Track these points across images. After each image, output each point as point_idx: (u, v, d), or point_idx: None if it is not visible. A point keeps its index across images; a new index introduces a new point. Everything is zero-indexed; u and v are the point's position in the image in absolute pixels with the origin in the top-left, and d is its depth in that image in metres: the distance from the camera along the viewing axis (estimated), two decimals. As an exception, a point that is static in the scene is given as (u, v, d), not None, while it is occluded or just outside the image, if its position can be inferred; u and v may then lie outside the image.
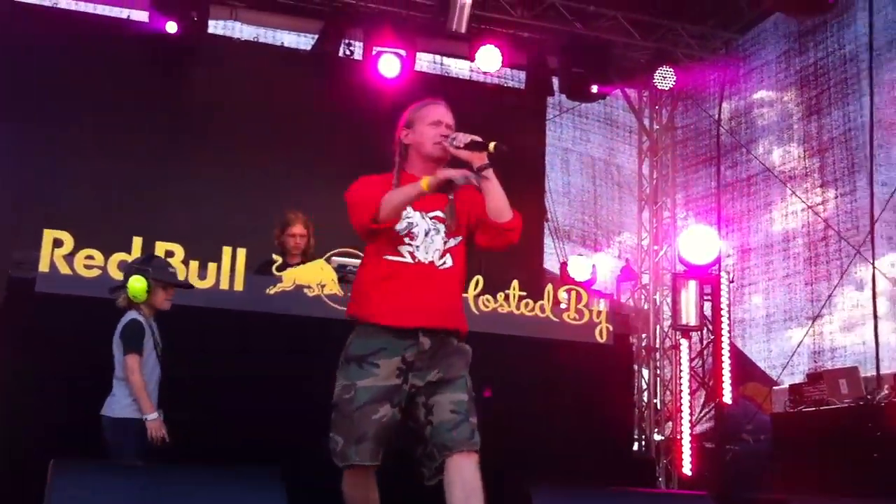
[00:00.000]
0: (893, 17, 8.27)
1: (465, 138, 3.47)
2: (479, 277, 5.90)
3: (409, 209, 3.51)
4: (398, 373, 3.41)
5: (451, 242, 3.58)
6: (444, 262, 3.55)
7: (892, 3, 8.28)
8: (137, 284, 4.54)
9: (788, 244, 9.32)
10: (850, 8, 8.77)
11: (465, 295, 5.75)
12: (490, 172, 3.45)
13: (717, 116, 10.28)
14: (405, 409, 3.45)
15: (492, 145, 3.39)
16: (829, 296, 8.63)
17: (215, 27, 9.34)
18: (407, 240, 3.52)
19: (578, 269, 9.85)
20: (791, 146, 9.47)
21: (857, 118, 8.54)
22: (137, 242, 5.24)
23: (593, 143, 11.15)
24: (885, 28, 8.34)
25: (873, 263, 8.06)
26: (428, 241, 3.54)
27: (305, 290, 5.59)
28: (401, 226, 3.50)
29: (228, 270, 5.44)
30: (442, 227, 3.57)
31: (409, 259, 3.51)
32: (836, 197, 8.74)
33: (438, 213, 3.58)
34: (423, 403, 3.44)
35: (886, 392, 6.14)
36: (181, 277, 5.07)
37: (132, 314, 4.58)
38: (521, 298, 6.08)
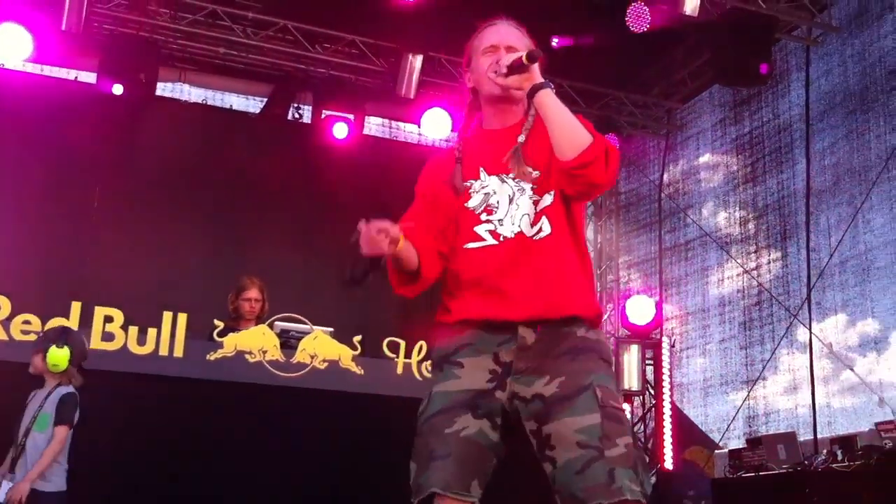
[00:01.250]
0: (825, 88, 8.56)
1: (505, 60, 2.63)
2: (423, 343, 5.91)
3: (482, 173, 2.65)
4: (490, 376, 2.48)
5: (546, 201, 2.61)
6: (540, 230, 2.58)
7: (825, 74, 8.57)
8: (61, 353, 4.51)
9: (724, 308, 9.50)
10: (784, 79, 9.07)
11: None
12: (546, 94, 2.57)
13: (658, 182, 10.50)
14: (509, 433, 2.49)
15: (524, 55, 2.57)
16: (769, 359, 8.77)
17: (163, 89, 9.37)
18: (484, 215, 2.62)
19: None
20: (727, 212, 9.71)
21: (790, 185, 8.79)
22: (76, 307, 5.20)
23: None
24: (817, 100, 8.63)
25: (810, 328, 8.22)
26: (514, 208, 2.61)
27: (247, 356, 5.56)
28: (475, 201, 2.64)
29: (168, 336, 5.40)
30: (528, 185, 2.62)
31: (491, 240, 2.60)
32: (769, 262, 8.96)
33: (524, 168, 2.66)
34: (534, 432, 2.44)
35: (823, 457, 6.22)
36: (119, 344, 5.04)
37: (67, 387, 4.54)
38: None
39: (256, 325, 6.12)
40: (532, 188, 2.61)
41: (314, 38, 9.37)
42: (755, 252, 9.19)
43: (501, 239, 2.58)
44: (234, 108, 9.96)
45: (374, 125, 10.38)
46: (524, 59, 2.55)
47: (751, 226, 9.32)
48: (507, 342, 2.49)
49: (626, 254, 10.98)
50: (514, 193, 2.62)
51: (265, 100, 9.67)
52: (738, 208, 9.55)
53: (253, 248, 8.82)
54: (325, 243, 9.31)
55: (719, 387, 9.41)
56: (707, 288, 9.77)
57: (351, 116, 9.29)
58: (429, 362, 5.90)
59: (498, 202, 2.61)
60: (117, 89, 8.50)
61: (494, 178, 2.64)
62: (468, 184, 2.66)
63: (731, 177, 9.72)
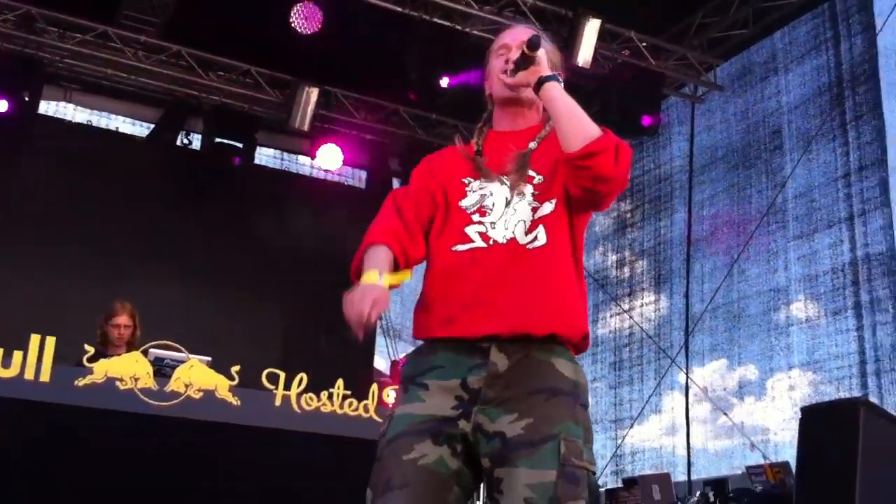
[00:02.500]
0: (707, 142, 8.90)
1: (512, 56, 2.50)
2: (303, 375, 5.81)
3: (486, 171, 2.49)
4: (456, 402, 2.29)
5: (546, 209, 2.43)
6: (535, 239, 2.39)
7: (707, 130, 8.91)
8: None
9: (597, 349, 9.69)
10: (665, 132, 9.39)
11: (327, 392, 5.61)
12: (553, 86, 2.41)
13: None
14: (473, 460, 2.30)
15: (525, 47, 2.44)
16: (647, 399, 8.93)
17: (47, 108, 9.07)
18: (476, 216, 2.44)
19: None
20: (606, 255, 9.93)
21: (667, 233, 9.07)
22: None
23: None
24: (699, 152, 8.97)
25: (686, 372, 8.42)
26: (509, 212, 2.43)
27: (118, 384, 5.34)
28: (469, 200, 2.47)
29: (35, 360, 5.15)
30: (529, 190, 2.45)
31: (480, 243, 2.40)
32: (642, 305, 9.19)
33: (528, 172, 2.48)
34: (486, 470, 2.28)
35: (696, 499, 6.33)
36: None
37: None
38: (344, 398, 6.00)
39: (127, 351, 5.91)
40: (533, 193, 2.43)
41: (208, 65, 9.25)
42: (629, 295, 9.43)
43: (491, 242, 2.39)
44: (120, 131, 9.71)
45: (265, 156, 10.26)
46: (525, 48, 2.42)
47: (627, 269, 9.58)
48: (477, 367, 2.29)
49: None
50: (509, 196, 2.44)
51: (153, 125, 9.46)
52: (616, 252, 9.80)
53: (131, 274, 8.56)
54: (206, 271, 9.12)
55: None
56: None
57: (240, 145, 9.16)
58: (309, 395, 5.81)
59: (493, 204, 2.44)
60: (1, 105, 8.19)
61: (497, 181, 2.46)
62: (466, 181, 2.49)
63: (611, 222, 9.99)
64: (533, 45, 2.41)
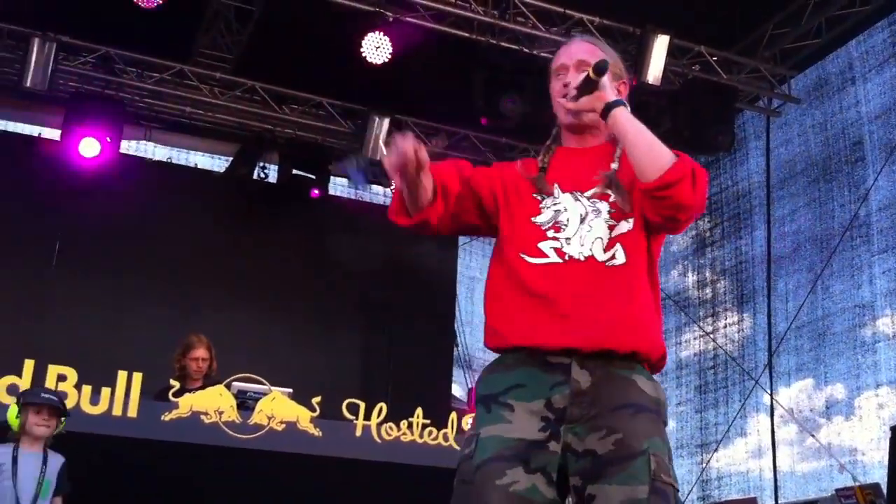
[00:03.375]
0: (786, 156, 8.72)
1: (574, 82, 2.44)
2: (383, 405, 5.84)
3: (556, 190, 2.45)
4: (542, 424, 2.24)
5: (623, 227, 2.39)
6: (613, 258, 2.36)
7: (785, 143, 8.74)
8: (10, 413, 4.43)
9: (682, 371, 9.52)
10: (742, 147, 9.23)
11: (406, 421, 5.64)
12: (620, 112, 2.35)
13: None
14: (560, 488, 2.25)
15: (591, 71, 2.37)
16: (732, 422, 8.77)
17: (128, 147, 9.33)
18: (551, 232, 2.40)
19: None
20: (687, 276, 9.77)
21: (748, 251, 8.90)
22: (29, 365, 5.10)
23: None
24: (777, 167, 8.79)
25: (771, 394, 8.24)
26: (584, 228, 2.38)
27: (202, 417, 5.44)
28: (543, 217, 2.42)
29: (123, 396, 5.28)
30: (605, 207, 2.40)
31: (555, 258, 2.37)
32: (726, 326, 9.01)
33: (600, 190, 2.44)
34: (577, 488, 2.23)
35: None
36: (72, 403, 4.92)
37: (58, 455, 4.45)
38: (424, 426, 6.01)
39: (204, 384, 6.03)
40: (609, 211, 2.39)
41: (281, 98, 9.42)
42: (713, 316, 9.26)
43: (566, 258, 2.36)
44: (199, 166, 9.94)
45: (340, 186, 10.38)
46: (591, 72, 2.35)
47: (708, 290, 9.40)
48: (560, 385, 2.25)
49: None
50: (586, 213, 2.40)
51: (230, 159, 9.65)
52: (696, 272, 9.63)
53: (211, 307, 8.72)
54: (285, 304, 9.24)
55: (675, 450, 9.38)
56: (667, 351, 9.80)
57: (313, 177, 9.29)
58: (389, 424, 5.84)
59: (568, 220, 2.39)
60: (91, 150, 8.43)
61: (567, 196, 2.42)
62: (539, 196, 2.45)
63: (689, 241, 9.83)
64: (600, 69, 2.34)
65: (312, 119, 9.53)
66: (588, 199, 2.41)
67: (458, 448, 6.05)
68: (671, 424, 9.46)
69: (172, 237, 8.96)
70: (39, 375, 5.15)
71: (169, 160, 9.77)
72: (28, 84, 8.03)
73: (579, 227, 2.38)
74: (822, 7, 8.11)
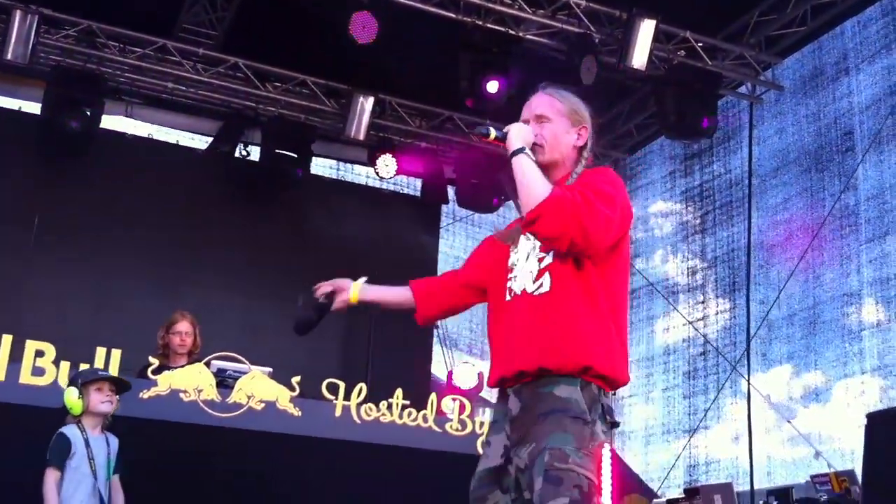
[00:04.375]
0: (779, 145, 8.73)
1: (499, 133, 2.84)
2: (363, 385, 5.84)
3: (520, 237, 2.85)
4: (503, 450, 2.68)
5: (548, 259, 2.72)
6: (540, 286, 2.70)
7: (778, 132, 8.75)
8: (70, 396, 4.39)
9: (669, 357, 9.56)
10: (735, 136, 9.23)
11: (386, 402, 5.66)
12: (516, 160, 2.71)
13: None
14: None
15: (491, 132, 2.84)
16: (708, 409, 8.82)
17: (108, 122, 9.24)
18: (510, 274, 2.82)
19: (464, 377, 9.84)
20: (675, 262, 9.79)
21: (740, 239, 8.91)
22: (7, 340, 5.06)
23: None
24: (770, 156, 8.80)
25: (748, 379, 8.30)
26: (525, 266, 2.77)
27: (181, 395, 5.42)
28: (511, 260, 2.85)
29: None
30: (537, 243, 2.75)
31: (507, 297, 2.80)
32: (717, 313, 9.03)
33: None
34: (529, 501, 2.59)
35: (760, 509, 6.24)
36: (49, 379, 4.89)
37: (63, 428, 4.39)
38: (403, 407, 6.01)
39: (189, 360, 6.00)
40: (539, 246, 2.74)
41: (265, 76, 9.35)
42: (702, 303, 9.28)
43: (511, 296, 2.76)
44: (181, 143, 9.87)
45: (321, 166, 10.34)
46: (491, 133, 2.80)
47: (699, 276, 9.43)
48: (506, 415, 2.70)
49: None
50: (529, 252, 2.77)
51: (212, 137, 9.59)
52: (686, 259, 9.65)
53: (192, 285, 8.70)
54: (266, 283, 9.21)
55: (661, 435, 9.45)
56: (652, 336, 9.83)
57: (296, 156, 9.25)
58: (368, 405, 5.84)
59: (518, 259, 2.80)
60: (72, 125, 8.35)
61: (523, 238, 2.79)
62: (511, 241, 2.87)
63: (680, 227, 9.85)
64: (483, 135, 2.81)
65: (296, 97, 9.48)
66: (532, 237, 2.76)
67: (436, 429, 6.07)
68: (658, 409, 9.51)
69: (153, 214, 8.91)
70: (17, 350, 5.11)
71: (150, 136, 9.70)
72: (9, 57, 7.95)
73: (525, 264, 2.76)
74: (808, -6, 8.12)
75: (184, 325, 6.23)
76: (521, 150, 2.72)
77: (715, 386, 8.83)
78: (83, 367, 4.80)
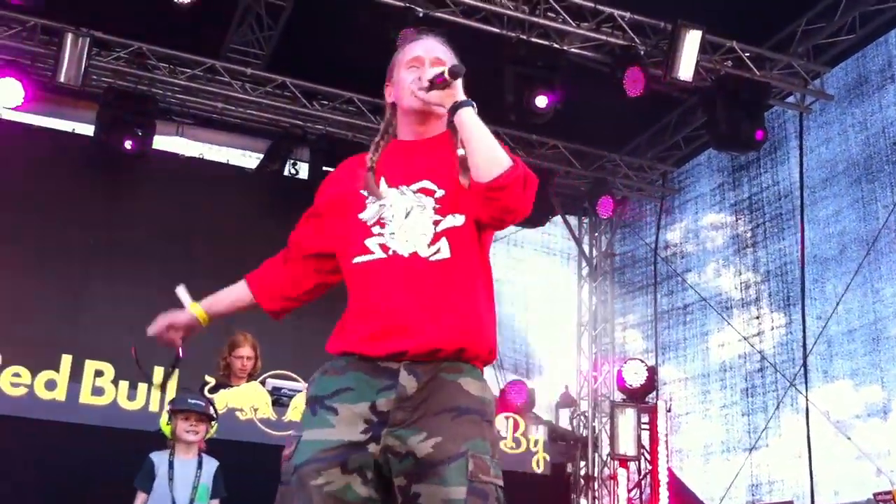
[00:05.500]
0: (827, 156, 8.60)
1: (427, 75, 2.48)
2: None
3: (382, 185, 2.46)
4: (365, 426, 2.28)
5: (450, 222, 2.41)
6: (437, 252, 2.37)
7: (825, 142, 8.63)
8: (162, 420, 4.52)
9: (725, 374, 9.41)
10: (783, 146, 9.11)
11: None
12: (468, 112, 2.40)
13: (653, 245, 10.51)
14: (380, 489, 2.29)
15: (446, 70, 2.43)
16: (764, 427, 8.69)
17: (160, 143, 9.38)
18: (376, 228, 2.42)
19: (516, 394, 9.83)
20: (728, 277, 9.67)
21: (793, 252, 8.77)
22: (66, 361, 5.15)
23: (528, 270, 11.22)
24: (818, 167, 8.66)
25: (806, 396, 8.16)
26: (409, 223, 2.41)
27: (238, 414, 5.47)
28: (368, 213, 2.44)
29: (159, 392, 5.32)
30: (430, 203, 2.43)
31: (379, 254, 2.39)
32: (772, 328, 8.89)
33: (426, 184, 2.46)
34: (402, 488, 2.26)
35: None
36: (109, 399, 4.96)
37: (154, 451, 4.52)
38: (457, 425, 5.98)
39: (248, 382, 6.04)
40: (434, 207, 2.42)
41: (312, 94, 9.43)
42: (757, 318, 9.12)
43: (390, 252, 2.37)
44: (231, 162, 9.98)
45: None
46: (446, 74, 2.41)
47: (752, 291, 9.28)
48: (386, 389, 2.28)
49: (620, 316, 10.94)
50: (411, 208, 2.41)
51: (261, 155, 9.69)
52: (738, 273, 9.52)
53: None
54: (318, 301, 9.24)
55: (720, 454, 9.29)
56: (707, 353, 9.69)
57: (346, 173, 9.30)
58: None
59: (393, 216, 2.41)
60: (125, 145, 8.49)
61: (393, 190, 2.44)
62: (365, 192, 2.46)
63: (730, 241, 9.72)
64: (455, 72, 2.41)
65: (343, 115, 9.54)
66: (414, 193, 2.43)
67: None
68: (717, 426, 9.36)
69: (205, 232, 9.01)
70: (77, 371, 5.20)
71: (201, 155, 9.82)
72: (62, 79, 8.07)
73: (404, 221, 2.39)
74: (856, 2, 8.01)
75: (246, 350, 6.24)
76: (470, 103, 2.42)
77: (774, 402, 8.67)
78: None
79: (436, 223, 2.40)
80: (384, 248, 2.38)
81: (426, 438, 2.25)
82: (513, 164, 2.34)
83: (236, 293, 2.81)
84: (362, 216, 2.43)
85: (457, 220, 2.41)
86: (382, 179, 2.47)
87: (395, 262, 2.36)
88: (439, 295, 2.34)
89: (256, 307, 2.76)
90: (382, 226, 2.41)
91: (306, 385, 2.41)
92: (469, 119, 2.39)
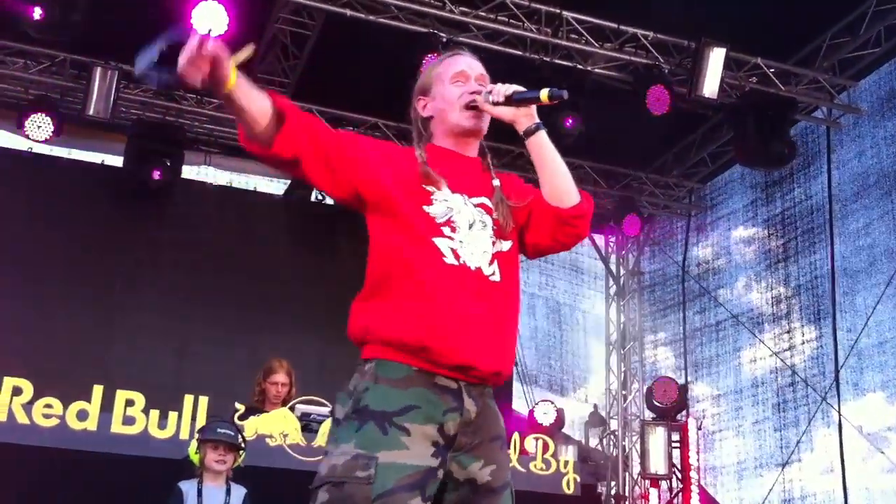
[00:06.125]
0: (858, 169, 8.53)
1: (505, 89, 2.39)
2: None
3: (444, 188, 2.34)
4: (434, 450, 2.16)
5: (502, 246, 2.36)
6: (493, 273, 2.31)
7: (857, 156, 8.56)
8: (191, 449, 4.56)
9: (757, 389, 9.33)
10: (815, 161, 9.05)
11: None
12: (545, 136, 2.39)
13: (682, 263, 10.45)
14: None
15: (544, 93, 2.36)
16: (797, 441, 8.60)
17: (189, 172, 9.48)
18: (447, 230, 2.29)
19: (545, 413, 9.78)
20: (759, 292, 9.60)
21: (824, 266, 8.69)
22: (98, 391, 5.20)
23: (559, 288, 11.25)
24: (850, 180, 8.59)
25: (839, 410, 8.07)
26: (472, 236, 2.31)
27: (267, 440, 5.50)
28: (436, 208, 2.31)
29: (189, 419, 5.36)
30: (489, 221, 2.36)
31: (451, 258, 2.26)
32: (803, 342, 8.82)
33: (485, 201, 2.39)
34: None
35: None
36: (140, 428, 5.00)
37: (183, 480, 4.55)
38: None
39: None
40: (493, 228, 2.36)
41: (338, 121, 9.49)
42: (788, 332, 9.05)
43: (461, 261, 2.27)
44: (259, 189, 10.07)
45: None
46: (545, 95, 2.35)
47: (783, 305, 9.20)
48: (452, 411, 2.20)
49: (651, 334, 10.88)
50: (474, 220, 2.34)
51: (288, 182, 9.76)
52: (769, 289, 9.45)
53: (275, 329, 8.80)
54: (344, 324, 9.26)
55: (754, 469, 9.19)
56: (739, 369, 9.61)
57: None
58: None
59: (459, 222, 2.31)
60: (154, 176, 8.59)
61: (458, 197, 2.35)
62: (430, 188, 2.33)
63: (762, 257, 9.65)
64: (558, 97, 2.36)
65: (369, 141, 9.57)
66: (474, 206, 2.37)
67: (521, 469, 6.03)
68: (750, 442, 9.26)
69: (235, 260, 9.08)
70: (108, 400, 5.25)
71: (229, 184, 9.92)
72: (91, 112, 8.20)
73: (468, 232, 2.32)
74: (881, 16, 7.96)
75: (281, 376, 6.27)
76: (544, 126, 2.40)
77: (806, 417, 8.58)
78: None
79: (493, 243, 2.36)
80: (455, 254, 2.28)
81: (484, 466, 2.24)
82: (586, 196, 2.42)
83: (262, 107, 2.22)
84: (430, 210, 2.31)
85: (504, 245, 2.38)
86: (444, 181, 2.36)
87: (466, 273, 2.27)
88: (503, 317, 2.32)
89: (267, 140, 2.26)
90: (453, 229, 2.30)
91: (350, 390, 2.27)
92: (548, 143, 2.41)
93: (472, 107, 2.44)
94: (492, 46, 8.06)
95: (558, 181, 2.38)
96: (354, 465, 2.12)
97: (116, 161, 9.11)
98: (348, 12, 7.68)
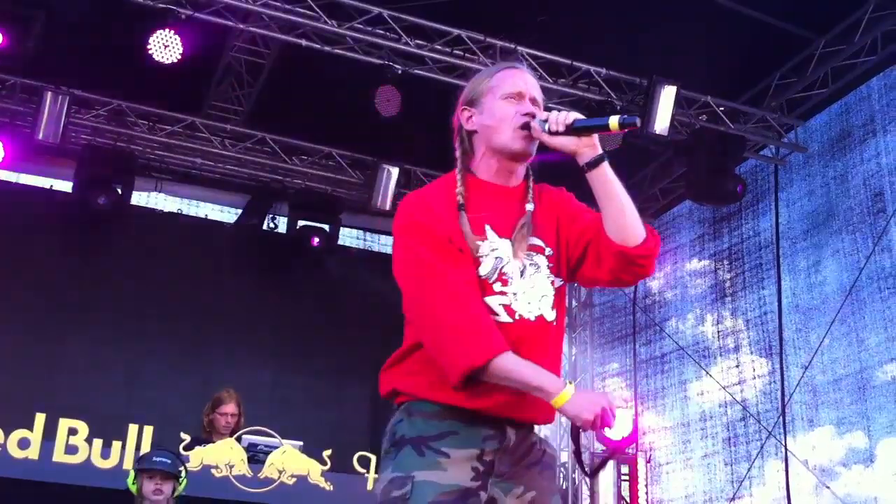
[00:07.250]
0: (808, 208, 8.67)
1: (563, 117, 2.23)
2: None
3: (490, 232, 2.23)
4: (474, 474, 2.15)
5: (558, 283, 2.29)
6: (553, 317, 2.27)
7: (807, 195, 8.70)
8: (128, 480, 4.50)
9: (706, 423, 9.39)
10: (765, 198, 9.20)
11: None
12: (608, 169, 2.25)
13: (633, 294, 10.54)
14: None
15: (614, 120, 2.19)
16: (744, 475, 8.67)
17: (139, 198, 9.38)
18: (497, 285, 2.21)
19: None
20: (707, 326, 9.70)
21: (772, 302, 8.81)
22: (40, 419, 5.10)
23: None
24: (800, 218, 8.73)
25: (785, 445, 8.16)
26: (527, 284, 2.22)
27: (213, 471, 5.42)
28: (486, 267, 2.21)
29: (133, 449, 5.27)
30: (543, 262, 2.27)
31: (504, 317, 2.19)
32: (755, 377, 8.90)
33: (536, 241, 2.29)
34: None
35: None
36: (83, 457, 4.91)
37: None
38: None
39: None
40: (548, 266, 2.26)
41: (291, 150, 9.48)
42: (738, 367, 9.14)
43: (517, 317, 2.19)
44: (209, 217, 9.99)
45: (349, 237, 10.40)
46: (615, 123, 2.19)
47: (730, 339, 9.30)
48: (491, 439, 2.19)
49: (599, 365, 10.94)
50: (524, 267, 2.23)
51: (240, 210, 9.71)
52: (717, 322, 9.55)
53: (222, 360, 8.72)
54: (294, 355, 9.22)
55: (702, 503, 9.22)
56: (687, 402, 9.68)
57: (326, 226, 9.33)
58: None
59: (511, 273, 2.21)
60: (102, 202, 8.48)
61: (506, 242, 2.23)
62: (476, 244, 2.22)
63: (709, 290, 9.76)
64: (626, 123, 2.19)
65: (322, 169, 9.58)
66: (525, 251, 2.27)
67: None
68: (699, 476, 9.27)
69: (183, 288, 8.97)
70: (51, 429, 5.15)
71: (179, 211, 9.83)
72: (41, 137, 8.09)
73: (521, 281, 2.22)
74: (827, 58, 8.18)
75: (230, 407, 6.22)
76: (607, 157, 2.25)
77: (757, 451, 8.64)
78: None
79: (552, 283, 2.27)
80: (510, 311, 2.20)
81: (524, 492, 2.23)
82: (653, 233, 2.28)
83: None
84: (480, 272, 2.20)
85: (559, 281, 2.29)
86: (489, 228, 2.25)
87: (523, 328, 2.20)
88: (555, 358, 2.28)
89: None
90: (505, 283, 2.22)
91: (387, 429, 2.26)
92: (613, 176, 2.25)
93: (524, 127, 2.29)
94: (447, 79, 8.12)
95: (625, 219, 2.24)
96: (391, 488, 2.17)
97: (66, 186, 8.98)
98: (304, 42, 7.69)
